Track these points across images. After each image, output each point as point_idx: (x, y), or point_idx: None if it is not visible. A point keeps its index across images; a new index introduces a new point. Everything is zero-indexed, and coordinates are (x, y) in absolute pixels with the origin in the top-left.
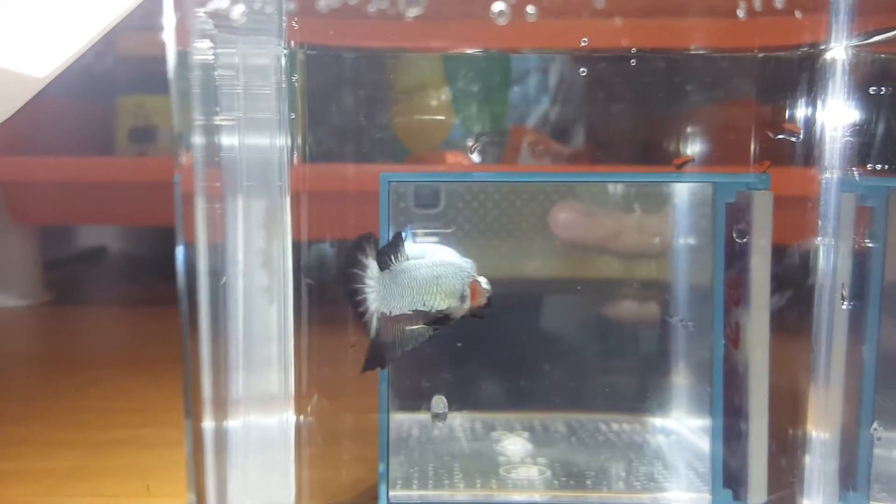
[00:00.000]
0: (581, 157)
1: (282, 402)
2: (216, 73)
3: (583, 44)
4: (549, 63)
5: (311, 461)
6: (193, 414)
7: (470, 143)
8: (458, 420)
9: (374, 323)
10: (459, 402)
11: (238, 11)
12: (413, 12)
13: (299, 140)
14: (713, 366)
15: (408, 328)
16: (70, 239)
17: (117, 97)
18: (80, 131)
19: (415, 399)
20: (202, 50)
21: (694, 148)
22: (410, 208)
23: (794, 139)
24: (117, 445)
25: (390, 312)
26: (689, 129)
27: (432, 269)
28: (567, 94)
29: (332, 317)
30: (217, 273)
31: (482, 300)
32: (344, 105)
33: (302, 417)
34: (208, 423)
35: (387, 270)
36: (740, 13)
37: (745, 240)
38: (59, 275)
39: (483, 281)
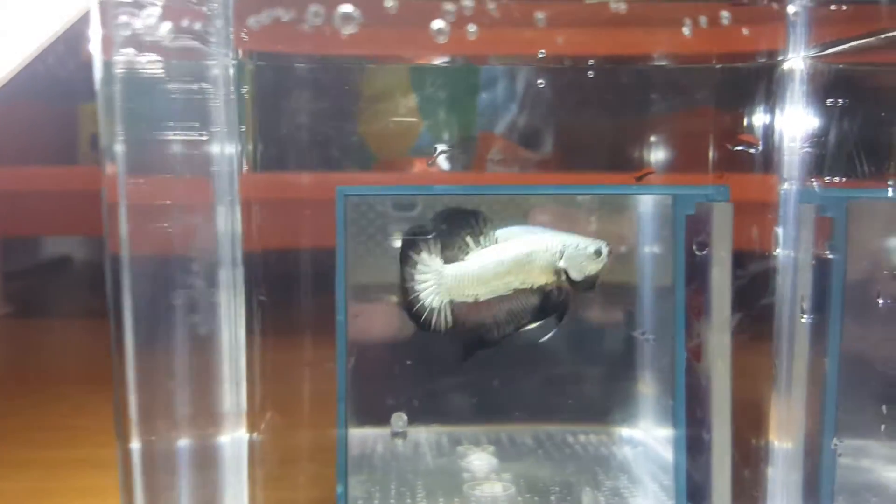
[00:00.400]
0: (549, 164)
1: (234, 419)
2: (160, 84)
3: (540, 55)
4: (514, 73)
5: (265, 481)
6: (123, 434)
7: (443, 149)
8: (425, 435)
9: (441, 317)
10: (426, 416)
11: (165, 28)
12: (362, 22)
13: (249, 150)
14: (675, 379)
15: (507, 311)
16: (32, 249)
17: (79, 104)
18: (42, 139)
19: (379, 414)
20: (131, 61)
21: (655, 158)
22: (389, 212)
23: (752, 150)
24: (78, 465)
25: (475, 299)
26: (648, 140)
27: (528, 246)
28: (530, 103)
29: (287, 331)
30: (162, 285)
31: (587, 268)
32: (296, 114)
33: (255, 435)
34: (145, 443)
35: (459, 261)
36: (699, 24)
37: (704, 252)
38: (20, 286)
39: (590, 248)
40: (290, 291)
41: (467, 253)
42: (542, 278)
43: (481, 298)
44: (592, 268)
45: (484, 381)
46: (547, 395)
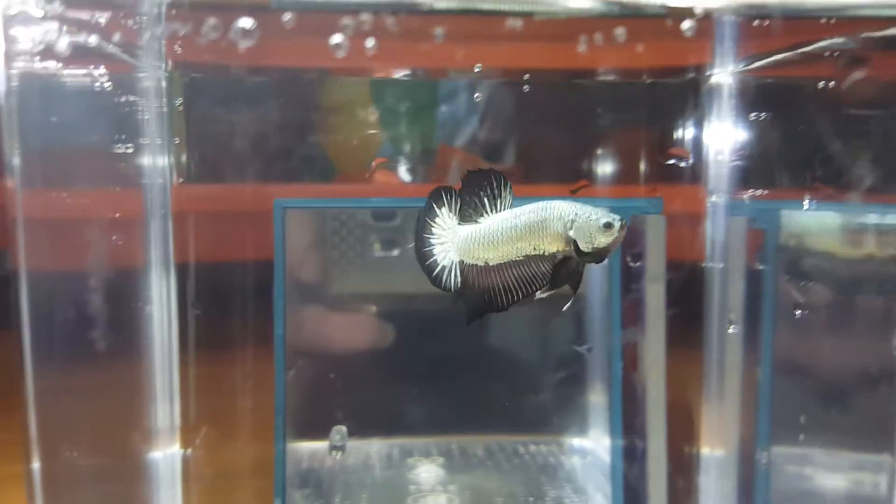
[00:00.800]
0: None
1: (167, 434)
2: (84, 96)
3: (476, 69)
4: (450, 86)
5: (200, 498)
6: (25, 451)
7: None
8: (377, 447)
9: (452, 276)
10: (378, 428)
11: (88, 40)
12: (299, 32)
13: (183, 161)
14: (611, 389)
15: (517, 277)
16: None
17: None
18: None
19: (330, 425)
20: (49, 72)
21: (589, 171)
22: (367, 221)
23: (683, 164)
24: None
25: (486, 263)
26: (582, 154)
27: (534, 213)
28: (474, 116)
29: (224, 344)
30: (88, 300)
31: (598, 239)
32: (231, 126)
33: (189, 451)
34: (64, 462)
35: (474, 221)
36: (629, 39)
37: (638, 263)
38: None
39: (601, 220)
40: (227, 304)
41: (481, 215)
42: (553, 246)
43: (491, 263)
44: (602, 240)
45: (439, 392)
46: (499, 405)
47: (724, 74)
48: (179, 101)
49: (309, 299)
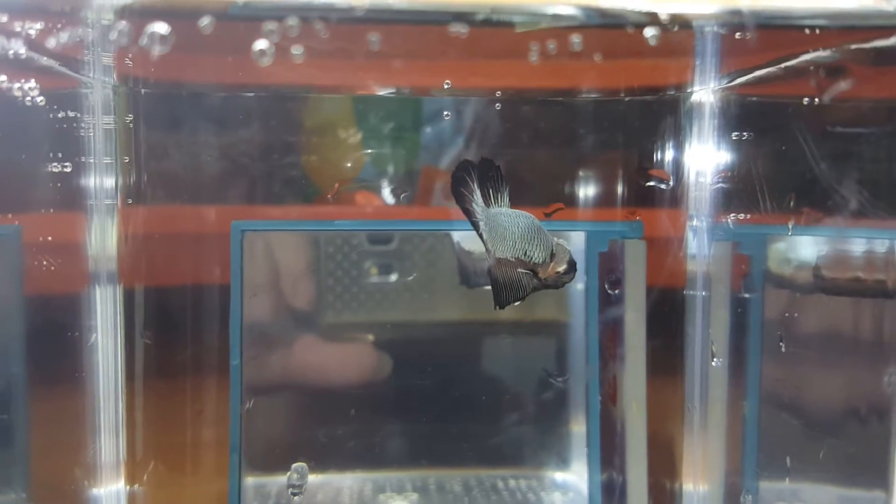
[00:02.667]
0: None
1: (110, 470)
2: (19, 112)
3: (445, 86)
4: (421, 104)
5: None
6: None
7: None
8: (348, 481)
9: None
10: (348, 460)
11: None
12: (264, 47)
13: (132, 182)
14: (588, 424)
15: (509, 277)
16: None
17: None
18: None
19: (297, 458)
20: None
21: (565, 193)
22: (363, 244)
23: (663, 186)
24: None
25: (493, 253)
26: (557, 175)
27: (532, 219)
28: (458, 137)
29: (175, 373)
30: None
31: (562, 265)
32: (189, 144)
33: (136, 487)
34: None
35: (491, 207)
36: (605, 55)
37: (617, 291)
38: None
39: (564, 243)
40: (179, 331)
41: (488, 205)
42: (541, 257)
43: (496, 255)
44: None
45: (414, 423)
46: (477, 437)
47: (705, 92)
48: (130, 117)
49: (276, 326)
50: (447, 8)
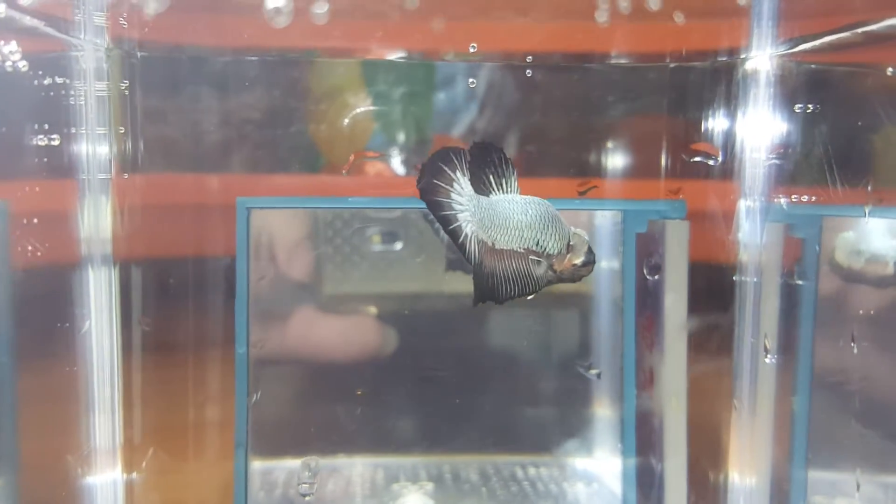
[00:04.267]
0: (536, 166)
1: (106, 457)
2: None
3: (471, 49)
4: (445, 69)
5: None
6: None
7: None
8: (359, 468)
9: (472, 246)
10: (358, 444)
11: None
12: (280, 4)
13: (129, 150)
14: (623, 423)
15: (515, 269)
16: None
17: None
18: None
19: (306, 440)
20: None
21: (602, 168)
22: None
23: (711, 162)
24: None
25: (493, 244)
26: (594, 149)
27: (546, 206)
28: (472, 104)
29: (174, 354)
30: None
31: (580, 257)
32: (191, 112)
33: (135, 475)
34: None
35: (485, 195)
36: (649, 16)
37: (656, 277)
38: None
39: (582, 233)
40: (179, 305)
41: (491, 192)
42: (556, 247)
43: (498, 246)
44: (579, 262)
45: (430, 405)
46: (496, 421)
47: (762, 58)
48: (125, 84)
49: (283, 300)
50: None
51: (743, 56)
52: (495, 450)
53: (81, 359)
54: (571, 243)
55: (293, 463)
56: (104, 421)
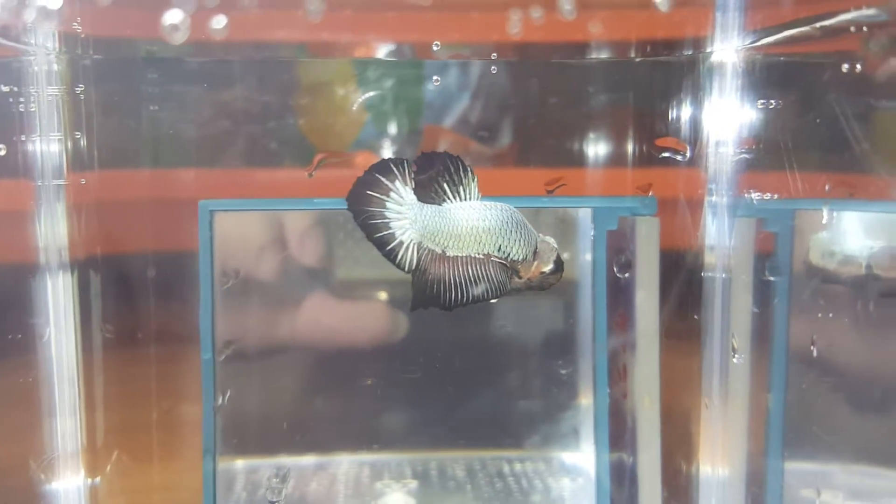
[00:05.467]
0: (506, 158)
1: (67, 461)
2: None
3: (434, 48)
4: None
5: None
6: None
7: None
8: (344, 466)
9: (409, 254)
10: (344, 441)
11: None
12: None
13: (85, 153)
14: (595, 423)
15: (472, 275)
16: None
17: None
18: None
19: (286, 438)
20: None
21: (570, 165)
22: None
23: (679, 157)
24: None
25: (443, 251)
26: (561, 145)
27: (510, 212)
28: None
29: (138, 354)
30: None
31: (549, 264)
32: (144, 113)
33: (97, 480)
34: None
35: (436, 204)
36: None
37: (627, 275)
38: None
39: (551, 240)
40: (141, 302)
41: (444, 201)
42: (520, 253)
43: (449, 253)
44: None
45: (415, 401)
46: (482, 415)
47: (727, 51)
48: (81, 87)
49: (258, 289)
50: None
51: (709, 49)
52: (481, 445)
53: (43, 363)
54: (538, 250)
55: (275, 461)
56: (67, 425)
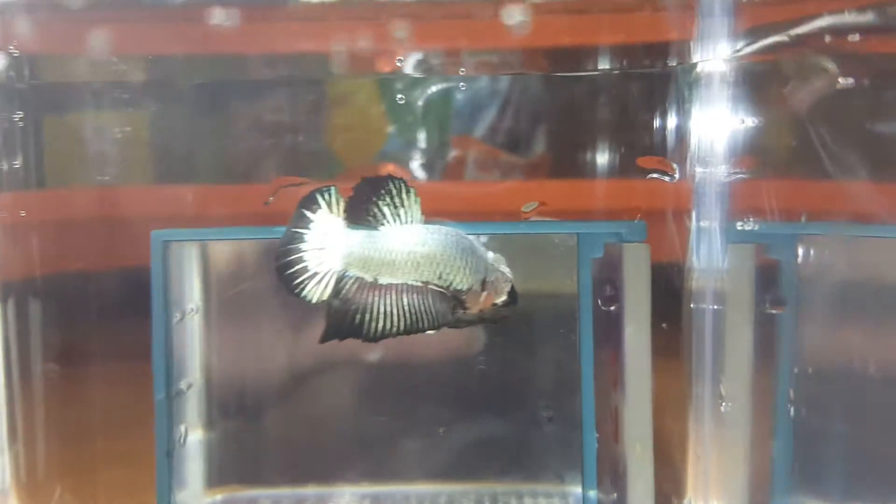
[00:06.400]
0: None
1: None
2: None
3: (398, 63)
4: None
5: None
6: None
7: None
8: (346, 498)
9: (321, 286)
10: (349, 472)
11: None
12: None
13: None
14: (584, 469)
15: (407, 305)
16: None
17: None
18: None
19: (287, 470)
20: None
21: (549, 188)
22: None
23: (667, 178)
24: None
25: (375, 279)
26: (539, 167)
27: (455, 237)
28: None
29: (84, 377)
30: None
31: (501, 296)
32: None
33: None
34: None
35: (372, 229)
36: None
37: (613, 307)
38: None
39: (505, 269)
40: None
41: (381, 225)
42: (465, 282)
43: (381, 281)
44: (498, 302)
45: (424, 430)
46: (492, 446)
47: (715, 61)
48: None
49: (249, 311)
50: None
51: (695, 60)
52: (493, 477)
53: None
54: (489, 279)
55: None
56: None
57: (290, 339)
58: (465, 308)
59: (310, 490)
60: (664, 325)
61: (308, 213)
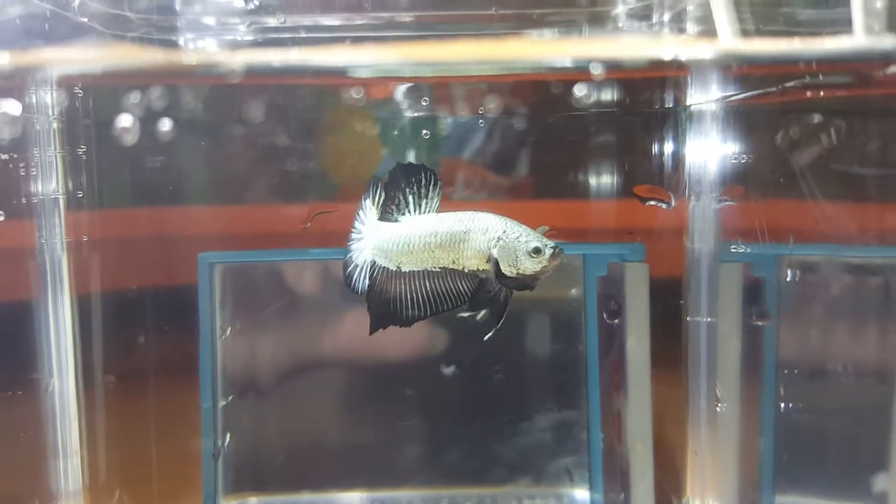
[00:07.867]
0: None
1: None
2: None
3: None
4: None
5: None
6: None
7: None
8: (357, 502)
9: (362, 277)
10: (353, 477)
11: None
12: None
13: (84, 184)
14: (590, 469)
15: (429, 290)
16: None
17: None
18: None
19: (294, 475)
20: None
21: (559, 213)
22: None
23: (664, 206)
24: None
25: (398, 267)
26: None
27: (461, 222)
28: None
29: (139, 388)
30: None
31: (519, 266)
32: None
33: None
34: None
35: (395, 219)
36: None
37: (616, 321)
38: None
39: (531, 243)
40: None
41: (403, 213)
42: (474, 262)
43: (404, 268)
44: (528, 266)
45: (428, 435)
46: (493, 450)
47: (706, 103)
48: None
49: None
50: None
51: (688, 102)
52: (495, 480)
53: (45, 404)
54: (497, 255)
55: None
56: (65, 463)
57: (307, 349)
58: (504, 278)
59: (324, 496)
60: (663, 335)
61: (359, 209)
